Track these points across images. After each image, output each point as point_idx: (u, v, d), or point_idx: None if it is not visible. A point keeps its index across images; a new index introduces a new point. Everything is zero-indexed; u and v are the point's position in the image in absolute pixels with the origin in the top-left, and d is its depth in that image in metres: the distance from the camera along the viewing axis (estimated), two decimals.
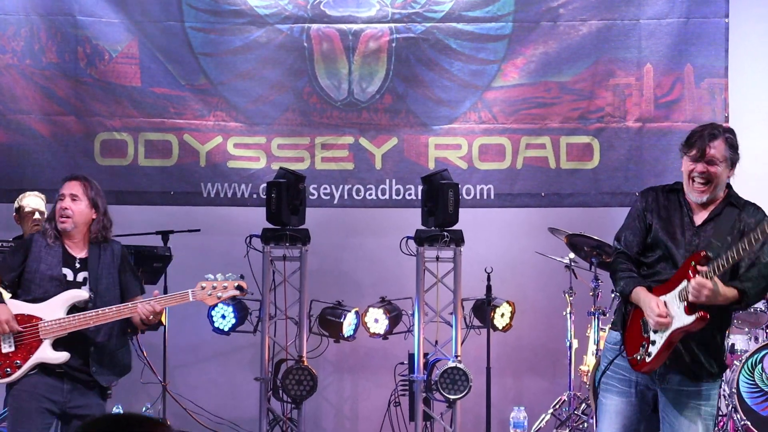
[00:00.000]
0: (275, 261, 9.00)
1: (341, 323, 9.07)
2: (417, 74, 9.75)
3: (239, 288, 6.39)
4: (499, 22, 9.72)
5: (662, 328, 5.27)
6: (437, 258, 9.04)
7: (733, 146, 5.40)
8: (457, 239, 8.95)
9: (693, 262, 5.22)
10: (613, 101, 9.66)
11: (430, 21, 9.74)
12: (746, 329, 8.44)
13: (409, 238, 9.06)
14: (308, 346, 9.00)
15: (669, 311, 5.25)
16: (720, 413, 8.27)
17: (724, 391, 8.25)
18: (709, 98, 9.57)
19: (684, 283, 5.23)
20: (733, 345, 8.41)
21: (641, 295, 5.39)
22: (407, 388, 9.03)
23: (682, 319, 5.22)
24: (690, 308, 5.20)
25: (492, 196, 9.69)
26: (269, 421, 8.91)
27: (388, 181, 9.73)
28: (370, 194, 9.74)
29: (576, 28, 9.67)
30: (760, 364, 8.12)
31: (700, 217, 5.45)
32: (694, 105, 9.57)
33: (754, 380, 8.11)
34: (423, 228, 9.05)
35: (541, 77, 9.71)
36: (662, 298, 5.30)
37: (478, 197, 9.68)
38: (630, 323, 5.49)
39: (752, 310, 8.27)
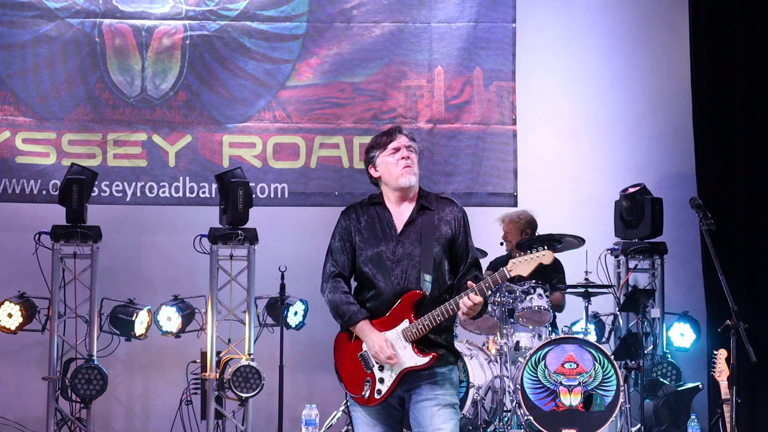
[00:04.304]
0: (65, 258, 8.89)
1: (133, 321, 9.03)
2: (211, 72, 9.72)
3: None
4: (293, 22, 9.77)
5: (390, 366, 5.30)
6: (231, 256, 9.09)
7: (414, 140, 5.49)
8: (251, 237, 9.00)
9: (412, 302, 5.27)
10: (405, 102, 9.82)
11: (225, 19, 9.73)
12: (530, 327, 8.69)
13: (203, 236, 9.07)
14: (99, 344, 8.94)
15: (395, 351, 5.28)
16: (504, 409, 8.51)
17: (508, 387, 8.50)
18: (497, 100, 9.83)
19: (405, 323, 5.28)
20: (518, 342, 8.61)
21: (366, 331, 5.33)
22: (199, 386, 9.02)
23: (414, 359, 5.27)
24: (419, 349, 5.27)
25: (286, 195, 9.72)
26: (57, 421, 8.82)
27: (181, 178, 9.67)
28: (164, 192, 9.65)
29: (369, 30, 9.80)
30: (543, 361, 8.35)
31: (400, 224, 5.40)
32: (483, 107, 9.81)
33: (537, 377, 8.35)
34: (217, 226, 9.06)
35: (334, 77, 9.80)
36: (386, 334, 5.30)
37: (272, 196, 9.70)
38: (343, 355, 5.44)
39: (536, 308, 8.54)
